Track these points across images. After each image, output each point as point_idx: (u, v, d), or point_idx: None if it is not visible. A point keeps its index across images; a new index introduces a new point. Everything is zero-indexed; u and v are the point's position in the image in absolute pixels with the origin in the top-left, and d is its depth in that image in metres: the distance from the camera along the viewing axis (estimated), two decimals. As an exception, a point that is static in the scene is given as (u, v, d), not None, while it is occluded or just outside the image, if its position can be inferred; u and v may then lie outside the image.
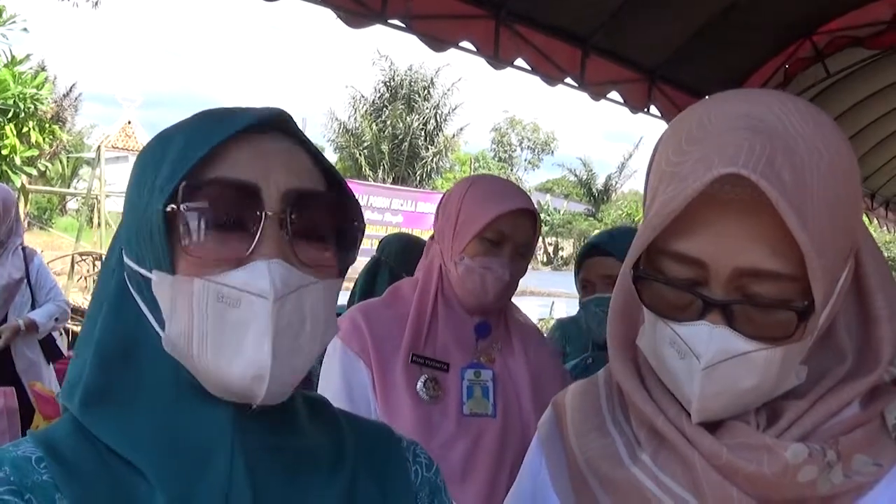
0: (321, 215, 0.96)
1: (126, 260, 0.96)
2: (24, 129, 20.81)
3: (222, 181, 0.90)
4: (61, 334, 5.27)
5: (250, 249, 0.89)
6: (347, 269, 1.01)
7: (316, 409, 1.06)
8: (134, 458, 0.89)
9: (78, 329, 11.88)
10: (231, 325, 0.88)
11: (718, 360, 0.95)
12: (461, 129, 43.39)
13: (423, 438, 1.92)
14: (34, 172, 23.34)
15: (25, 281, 4.90)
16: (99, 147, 16.78)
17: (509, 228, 2.10)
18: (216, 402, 0.92)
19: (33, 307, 4.93)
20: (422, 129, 40.81)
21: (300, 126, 1.00)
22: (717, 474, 0.99)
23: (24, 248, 4.92)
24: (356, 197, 1.02)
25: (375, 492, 1.03)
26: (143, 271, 0.93)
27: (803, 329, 0.95)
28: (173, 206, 0.89)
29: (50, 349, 5.03)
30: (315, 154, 0.99)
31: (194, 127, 0.96)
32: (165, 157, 0.93)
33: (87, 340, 0.97)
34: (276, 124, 0.97)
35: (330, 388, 2.01)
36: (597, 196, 55.52)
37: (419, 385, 2.05)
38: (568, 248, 52.37)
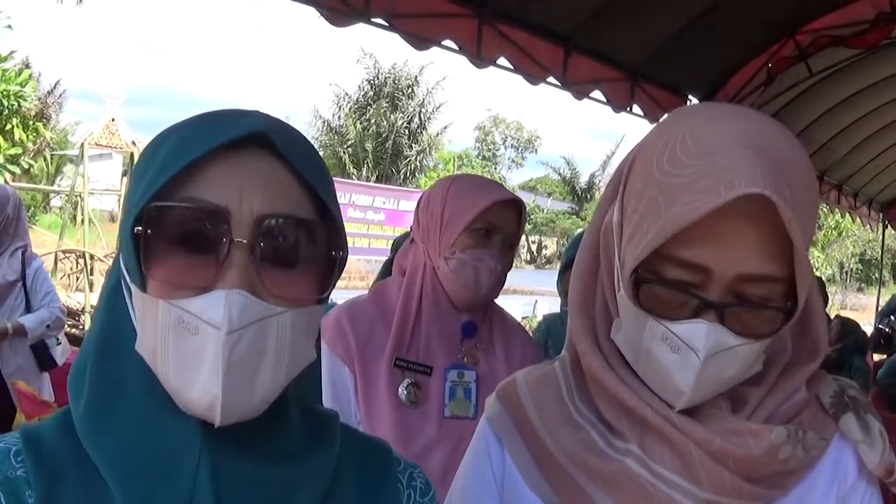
0: (296, 243, 0.91)
1: (120, 260, 0.95)
2: (8, 127, 20.77)
3: (190, 204, 0.87)
4: (59, 342, 5.10)
5: (215, 276, 0.87)
6: (327, 297, 0.96)
7: (315, 427, 1.01)
8: (99, 465, 0.89)
9: (73, 332, 11.73)
10: (190, 351, 0.86)
11: (713, 353, 1.02)
12: (445, 128, 43.19)
13: (402, 443, 1.94)
14: (18, 171, 23.23)
15: (21, 284, 4.80)
16: (83, 144, 16.55)
17: (498, 219, 2.11)
18: (185, 414, 0.89)
19: (28, 312, 4.81)
20: (406, 127, 40.58)
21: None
22: (710, 460, 1.07)
23: (23, 252, 4.82)
24: (338, 195, 0.99)
25: None
26: (127, 277, 0.92)
27: (784, 325, 1.06)
28: (139, 228, 0.87)
29: (42, 358, 4.90)
30: (301, 174, 0.92)
31: (181, 137, 0.92)
32: (150, 167, 0.90)
33: (90, 332, 0.97)
34: (259, 140, 0.90)
35: None
36: (580, 194, 55.45)
37: (401, 390, 2.06)
38: (551, 246, 52.39)
